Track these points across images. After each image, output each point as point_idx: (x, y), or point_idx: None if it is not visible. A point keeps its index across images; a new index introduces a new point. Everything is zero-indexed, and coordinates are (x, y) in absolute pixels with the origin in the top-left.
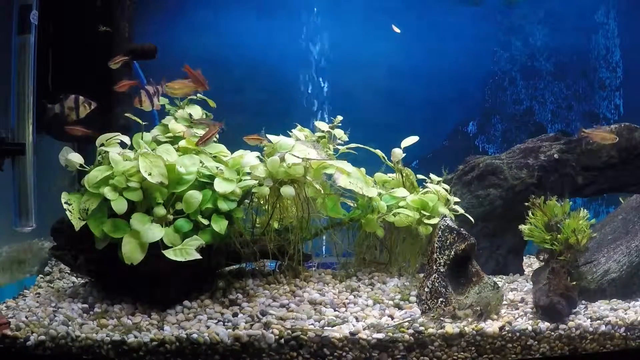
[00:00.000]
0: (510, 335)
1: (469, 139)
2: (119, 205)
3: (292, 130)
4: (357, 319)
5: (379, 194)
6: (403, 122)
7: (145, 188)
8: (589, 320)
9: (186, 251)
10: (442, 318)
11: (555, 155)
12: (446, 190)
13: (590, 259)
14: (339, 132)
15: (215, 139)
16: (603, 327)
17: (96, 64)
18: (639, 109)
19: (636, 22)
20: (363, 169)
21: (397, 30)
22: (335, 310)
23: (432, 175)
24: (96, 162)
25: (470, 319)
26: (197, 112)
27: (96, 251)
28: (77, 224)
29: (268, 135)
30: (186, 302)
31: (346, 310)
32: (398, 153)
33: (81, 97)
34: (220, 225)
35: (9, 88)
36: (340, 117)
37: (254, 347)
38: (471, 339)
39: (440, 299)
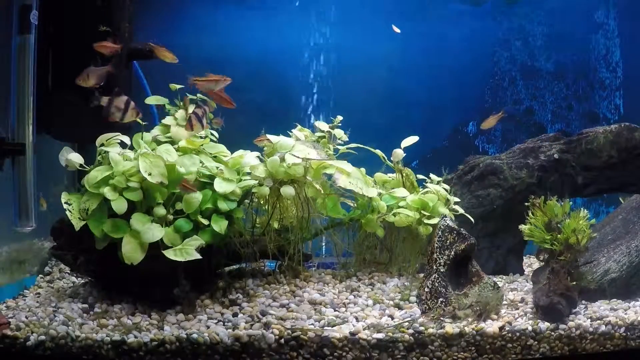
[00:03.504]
0: (510, 335)
1: (469, 139)
2: (119, 205)
3: (292, 130)
4: (357, 319)
5: (379, 194)
6: (403, 122)
7: (145, 188)
8: (589, 320)
9: (186, 251)
10: (442, 318)
11: (555, 155)
12: (446, 190)
13: (590, 259)
14: (339, 132)
15: (215, 139)
16: (603, 327)
17: (96, 64)
18: (639, 109)
19: (636, 22)
20: (363, 169)
21: (397, 30)
22: (335, 310)
23: (432, 175)
24: (96, 162)
25: (470, 319)
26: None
27: (96, 251)
28: (77, 224)
29: (268, 135)
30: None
31: (346, 310)
32: (399, 154)
33: (132, 103)
34: (220, 225)
35: (9, 88)
36: (340, 117)
37: (254, 347)
38: (471, 339)
39: (440, 299)
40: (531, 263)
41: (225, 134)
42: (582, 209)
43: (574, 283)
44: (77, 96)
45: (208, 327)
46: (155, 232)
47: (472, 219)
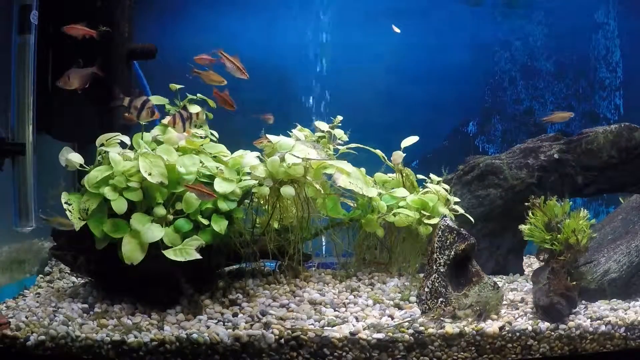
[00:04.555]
0: (510, 335)
1: (469, 139)
2: (119, 205)
3: (292, 130)
4: (357, 319)
5: (379, 194)
6: (403, 122)
7: (145, 188)
8: (589, 320)
9: (186, 251)
10: (442, 318)
11: (555, 155)
12: (446, 190)
13: (590, 259)
14: (339, 132)
15: (215, 139)
16: (603, 327)
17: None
18: (639, 109)
19: (636, 22)
20: (363, 169)
21: (397, 30)
22: (335, 310)
23: (432, 175)
24: (96, 162)
25: (470, 319)
26: (197, 112)
27: (96, 251)
28: (77, 224)
29: (268, 135)
30: (186, 302)
31: (346, 310)
32: (399, 156)
33: (150, 102)
34: (220, 225)
35: (9, 88)
36: (340, 117)
37: (254, 347)
38: (471, 339)
39: (440, 299)
40: (531, 263)
41: (225, 134)
42: (582, 209)
43: (574, 283)
44: (77, 96)
45: (208, 327)
46: (155, 232)
47: (472, 219)
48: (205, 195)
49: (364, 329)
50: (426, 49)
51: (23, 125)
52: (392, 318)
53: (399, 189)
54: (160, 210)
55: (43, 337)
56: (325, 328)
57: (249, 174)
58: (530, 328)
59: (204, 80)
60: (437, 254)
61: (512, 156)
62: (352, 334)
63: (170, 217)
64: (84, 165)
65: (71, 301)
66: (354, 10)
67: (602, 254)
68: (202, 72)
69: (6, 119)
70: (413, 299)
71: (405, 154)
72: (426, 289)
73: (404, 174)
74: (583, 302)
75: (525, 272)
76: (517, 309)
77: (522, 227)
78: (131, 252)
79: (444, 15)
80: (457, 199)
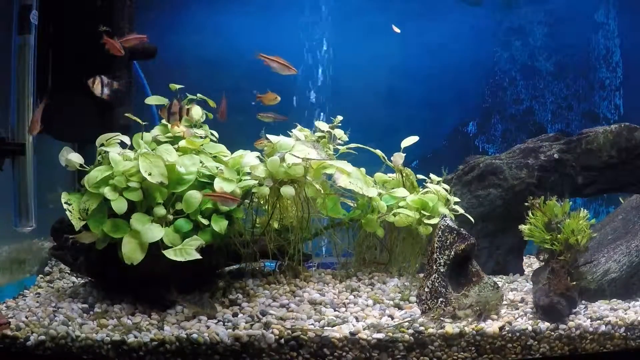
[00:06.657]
0: (510, 335)
1: (469, 139)
2: (119, 205)
3: (292, 130)
4: (357, 319)
5: (379, 194)
6: (403, 122)
7: (145, 188)
8: (589, 320)
9: (186, 251)
10: (442, 318)
11: (555, 155)
12: (446, 190)
13: (590, 259)
14: (339, 132)
15: (215, 139)
16: (603, 327)
17: (96, 64)
18: (639, 109)
19: (636, 22)
20: (363, 169)
21: (397, 30)
22: (335, 310)
23: (432, 175)
24: (96, 162)
25: (470, 319)
26: (197, 112)
27: (96, 251)
28: (77, 224)
29: (268, 136)
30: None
31: (346, 310)
32: (400, 157)
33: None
34: (220, 225)
35: (9, 88)
36: (340, 117)
37: (254, 347)
38: (471, 339)
39: (440, 299)
40: (531, 263)
41: (225, 134)
42: (582, 209)
43: (574, 283)
44: (77, 96)
45: (208, 327)
46: (155, 232)
47: (472, 219)
48: (229, 201)
49: (364, 329)
50: (426, 48)
51: (23, 125)
52: (392, 318)
53: (399, 189)
54: (160, 210)
55: (43, 337)
56: (325, 328)
57: (249, 174)
58: (530, 328)
59: (263, 102)
60: (437, 254)
61: (512, 156)
62: (352, 334)
63: (170, 217)
64: (84, 165)
65: (71, 301)
66: (353, 11)
67: (602, 254)
68: (263, 96)
69: (6, 119)
70: (413, 299)
71: (405, 154)
72: (426, 289)
73: (404, 174)
74: (583, 302)
75: (525, 272)
76: (517, 309)
77: (522, 227)
78: (131, 252)
79: (443, 15)
80: (457, 199)
